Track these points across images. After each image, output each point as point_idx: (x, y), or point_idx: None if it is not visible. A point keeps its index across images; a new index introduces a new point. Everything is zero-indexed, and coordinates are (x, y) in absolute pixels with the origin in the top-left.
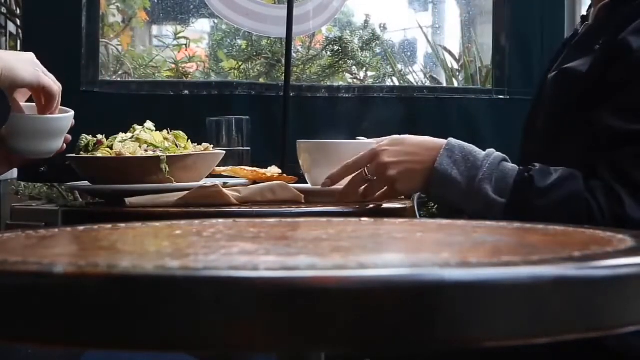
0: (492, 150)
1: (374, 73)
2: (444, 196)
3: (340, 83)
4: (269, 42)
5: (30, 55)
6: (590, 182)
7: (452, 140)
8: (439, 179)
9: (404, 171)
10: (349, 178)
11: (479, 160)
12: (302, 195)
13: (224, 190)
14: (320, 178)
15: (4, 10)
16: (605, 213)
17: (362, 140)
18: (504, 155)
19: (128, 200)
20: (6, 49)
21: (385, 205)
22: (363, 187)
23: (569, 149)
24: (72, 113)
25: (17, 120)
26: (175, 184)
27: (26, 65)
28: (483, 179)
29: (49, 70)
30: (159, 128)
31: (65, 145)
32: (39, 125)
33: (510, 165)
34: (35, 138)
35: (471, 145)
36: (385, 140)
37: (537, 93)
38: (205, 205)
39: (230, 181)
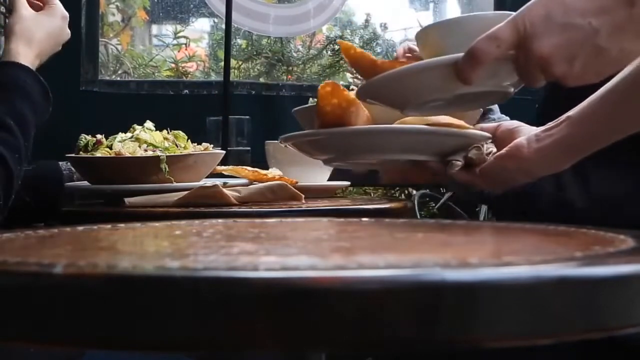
0: None
1: None
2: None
3: (341, 82)
4: (269, 41)
5: (60, 32)
6: None
7: None
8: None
9: None
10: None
11: None
12: (302, 195)
13: (224, 190)
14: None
15: (3, 9)
16: (551, 196)
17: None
18: None
19: (127, 200)
20: None
21: (385, 206)
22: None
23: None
24: None
25: None
26: (175, 184)
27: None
28: None
29: (49, 70)
30: (158, 128)
31: None
32: None
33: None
34: None
35: None
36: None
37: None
38: (205, 205)
39: (231, 181)
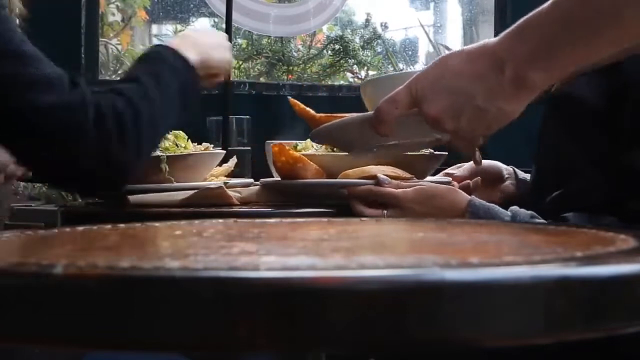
0: (515, 207)
1: (375, 72)
2: None
3: (341, 82)
4: (269, 41)
5: (222, 39)
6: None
7: (474, 199)
8: None
9: None
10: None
11: (502, 218)
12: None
13: (227, 191)
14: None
15: None
16: None
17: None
18: (531, 212)
19: (132, 198)
20: None
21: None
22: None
23: (586, 175)
24: None
25: None
26: (175, 184)
27: (220, 50)
28: None
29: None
30: None
31: None
32: None
33: (540, 222)
34: None
35: (492, 204)
36: (410, 191)
37: (546, 106)
38: (205, 205)
39: (231, 181)
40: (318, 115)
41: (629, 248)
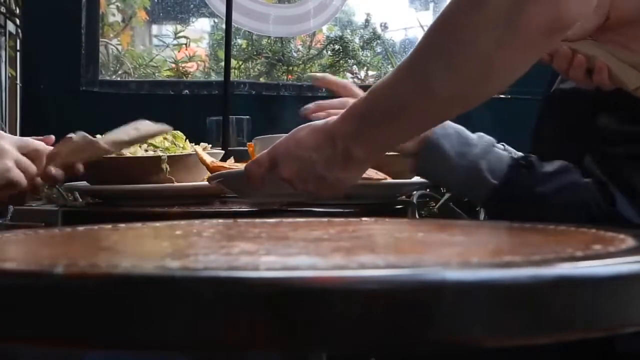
0: (481, 133)
1: (374, 72)
2: (431, 168)
3: None
4: (269, 41)
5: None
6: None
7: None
8: (429, 149)
9: None
10: None
11: (472, 139)
12: (170, 128)
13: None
14: None
15: (3, 9)
16: (601, 208)
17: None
18: (494, 139)
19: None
20: (6, 48)
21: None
22: None
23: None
24: None
25: None
26: (175, 184)
27: None
28: (477, 155)
29: (49, 71)
30: None
31: None
32: None
33: (503, 151)
34: None
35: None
36: None
37: (544, 104)
38: (204, 205)
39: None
40: (212, 165)
41: (628, 248)
